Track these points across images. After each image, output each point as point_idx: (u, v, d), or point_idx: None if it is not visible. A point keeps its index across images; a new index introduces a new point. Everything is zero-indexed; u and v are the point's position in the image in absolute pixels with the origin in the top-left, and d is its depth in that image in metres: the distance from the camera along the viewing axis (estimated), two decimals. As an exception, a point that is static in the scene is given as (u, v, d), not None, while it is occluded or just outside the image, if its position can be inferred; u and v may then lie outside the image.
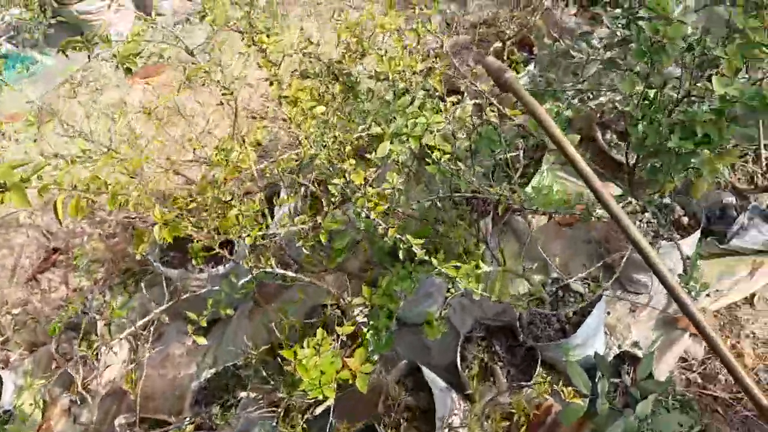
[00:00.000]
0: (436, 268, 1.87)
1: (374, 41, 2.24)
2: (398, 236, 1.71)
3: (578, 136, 1.88)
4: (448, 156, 1.89)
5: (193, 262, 2.20)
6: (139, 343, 2.87)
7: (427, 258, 1.73)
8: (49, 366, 3.24)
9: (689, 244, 2.46)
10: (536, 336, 2.47)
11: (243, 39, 2.21)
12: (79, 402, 3.11)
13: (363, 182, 1.73)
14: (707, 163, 1.66)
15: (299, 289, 3.17)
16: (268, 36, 2.19)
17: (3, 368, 3.37)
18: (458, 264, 1.76)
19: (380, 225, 1.71)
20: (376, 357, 2.12)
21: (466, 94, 3.37)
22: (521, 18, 3.85)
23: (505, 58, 3.53)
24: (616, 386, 2.38)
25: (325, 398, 1.92)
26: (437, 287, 2.71)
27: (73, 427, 3.18)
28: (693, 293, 2.52)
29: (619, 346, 2.62)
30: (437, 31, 2.31)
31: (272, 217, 2.97)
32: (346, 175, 1.71)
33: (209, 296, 2.51)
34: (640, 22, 1.67)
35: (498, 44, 3.73)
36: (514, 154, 2.64)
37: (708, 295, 2.59)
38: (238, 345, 3.12)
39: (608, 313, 2.70)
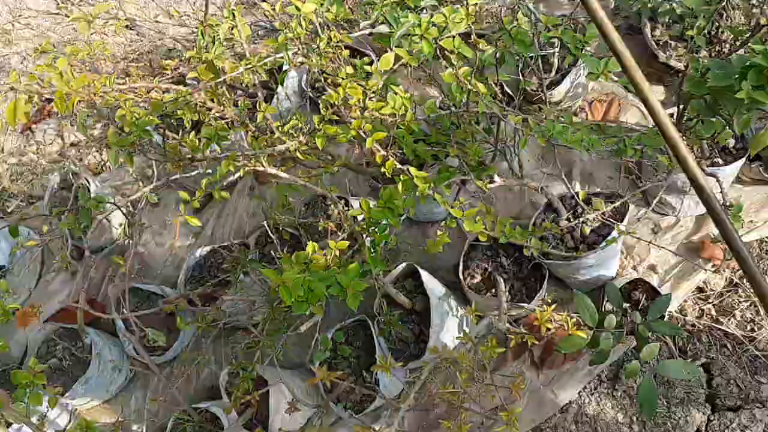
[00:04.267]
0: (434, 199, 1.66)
1: None
2: (398, 165, 1.48)
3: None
4: (466, 69, 1.59)
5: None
6: (132, 213, 2.73)
7: (429, 192, 1.51)
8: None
9: (731, 171, 2.20)
10: (546, 252, 2.31)
11: None
12: (71, 262, 3.08)
13: (362, 97, 1.47)
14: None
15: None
16: None
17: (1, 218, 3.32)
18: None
19: (378, 151, 1.48)
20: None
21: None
22: None
23: None
24: (624, 312, 2.26)
25: (312, 315, 1.82)
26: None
27: (71, 283, 3.18)
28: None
29: (635, 267, 2.47)
30: None
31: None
32: (340, 89, 1.44)
33: (203, 178, 2.35)
34: None
35: None
36: (545, 52, 2.31)
37: (741, 226, 2.38)
38: (238, 221, 3.01)
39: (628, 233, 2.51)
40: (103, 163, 3.35)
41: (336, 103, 1.47)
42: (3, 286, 2.20)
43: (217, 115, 1.68)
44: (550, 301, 2.31)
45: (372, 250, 1.91)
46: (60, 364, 2.75)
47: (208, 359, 2.74)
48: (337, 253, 1.86)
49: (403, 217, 1.83)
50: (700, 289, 2.40)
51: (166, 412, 2.69)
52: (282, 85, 2.43)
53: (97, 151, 3.37)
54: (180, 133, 1.92)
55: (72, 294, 3.03)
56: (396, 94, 1.47)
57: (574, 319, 1.97)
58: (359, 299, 1.77)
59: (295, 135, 1.75)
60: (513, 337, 1.90)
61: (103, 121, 3.44)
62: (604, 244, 2.01)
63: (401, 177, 1.52)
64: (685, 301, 2.39)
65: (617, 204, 2.16)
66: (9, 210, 3.36)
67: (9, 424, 2.57)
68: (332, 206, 2.64)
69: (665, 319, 2.10)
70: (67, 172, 3.04)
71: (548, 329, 2.40)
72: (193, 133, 1.87)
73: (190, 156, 1.81)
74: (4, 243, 2.92)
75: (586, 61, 1.61)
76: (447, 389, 1.60)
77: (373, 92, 1.45)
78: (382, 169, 2.34)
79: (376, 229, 1.89)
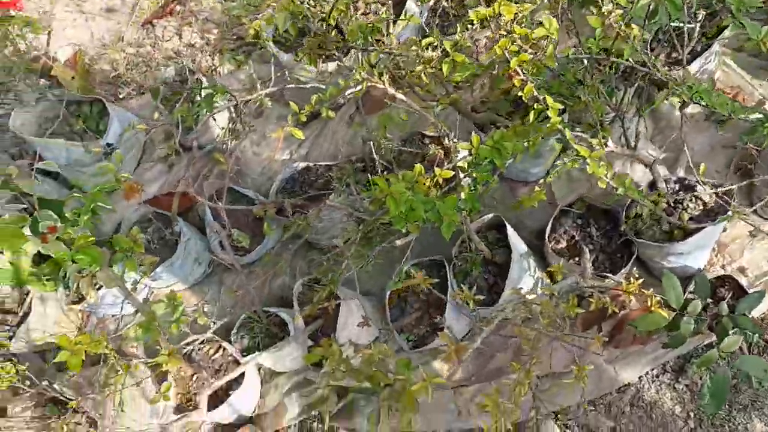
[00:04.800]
0: (562, 135, 1.67)
1: None
2: (535, 92, 1.48)
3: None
4: (620, 12, 1.57)
5: (304, 60, 2.04)
6: (240, 115, 2.83)
7: (560, 127, 1.51)
8: (151, 116, 3.32)
9: None
10: (639, 231, 2.28)
11: None
12: (174, 154, 3.23)
13: (512, 19, 1.47)
14: None
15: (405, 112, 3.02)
16: None
17: (113, 102, 3.49)
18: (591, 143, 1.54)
19: (518, 75, 1.48)
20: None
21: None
22: None
23: None
24: (705, 306, 2.22)
25: (407, 233, 1.87)
26: (551, 149, 2.49)
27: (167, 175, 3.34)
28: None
29: (723, 267, 2.41)
30: None
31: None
32: (495, 5, 1.45)
33: (314, 92, 2.41)
34: None
35: None
36: (690, 25, 2.24)
37: None
38: (334, 146, 3.08)
39: (724, 230, 2.44)
40: (214, 67, 3.46)
41: (489, 16, 1.47)
42: (118, 157, 2.34)
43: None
44: (637, 275, 2.28)
45: (472, 188, 1.94)
46: (148, 245, 2.92)
47: (284, 270, 2.85)
48: (441, 180, 1.89)
49: (508, 162, 1.83)
50: (789, 301, 2.32)
51: (237, 309, 2.84)
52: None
53: (210, 55, 3.49)
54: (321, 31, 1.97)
55: (168, 183, 3.19)
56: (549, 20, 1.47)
57: (657, 299, 1.95)
58: (452, 229, 1.81)
59: (431, 51, 1.78)
60: (593, 301, 1.90)
61: (220, 27, 3.55)
62: (718, 219, 1.97)
63: (534, 106, 1.53)
64: (770, 311, 2.33)
65: (722, 189, 2.09)
66: (121, 96, 3.54)
67: (99, 288, 2.77)
68: (430, 145, 2.67)
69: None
70: (182, 68, 3.17)
71: (623, 308, 2.39)
72: (335, 31, 1.92)
73: (342, 42, 1.86)
74: (116, 123, 3.08)
75: (747, 26, 1.56)
76: (527, 328, 1.63)
77: (523, 16, 1.46)
78: (489, 116, 2.34)
79: (479, 168, 1.92)
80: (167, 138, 3.32)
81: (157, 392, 2.12)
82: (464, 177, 2.00)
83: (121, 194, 3.00)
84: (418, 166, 1.78)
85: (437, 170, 1.82)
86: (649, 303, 1.92)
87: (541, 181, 2.58)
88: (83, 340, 1.83)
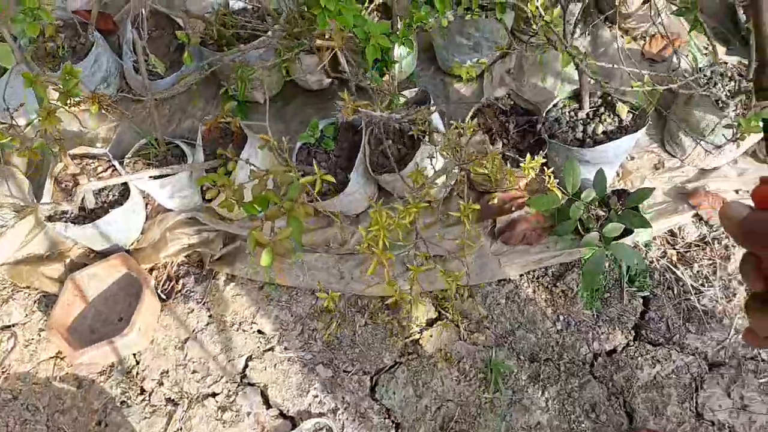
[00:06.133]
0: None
1: None
2: None
3: None
4: None
5: None
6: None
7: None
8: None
9: None
10: (554, 134, 2.33)
11: None
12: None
13: None
14: None
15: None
16: None
17: None
18: None
19: None
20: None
21: None
22: None
23: None
24: (598, 218, 2.29)
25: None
26: (488, 44, 2.49)
27: None
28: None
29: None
30: None
31: None
32: None
33: None
34: None
35: None
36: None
37: None
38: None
39: (632, 158, 2.53)
40: None
41: None
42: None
43: None
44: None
45: (408, 26, 1.91)
46: (56, 50, 2.72)
47: (194, 111, 2.73)
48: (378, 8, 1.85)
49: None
50: (671, 233, 2.44)
51: (137, 137, 2.69)
52: None
53: None
54: None
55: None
56: None
57: (555, 181, 1.97)
58: (377, 54, 1.78)
59: None
60: (488, 162, 1.89)
61: None
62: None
63: None
64: (654, 238, 2.43)
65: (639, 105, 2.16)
66: None
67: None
68: None
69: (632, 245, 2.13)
70: None
71: (519, 208, 2.44)
72: None
73: None
74: None
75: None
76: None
77: None
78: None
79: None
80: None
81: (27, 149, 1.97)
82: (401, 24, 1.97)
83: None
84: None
85: (375, -9, 1.77)
86: (546, 181, 1.95)
87: (476, 60, 2.60)
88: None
